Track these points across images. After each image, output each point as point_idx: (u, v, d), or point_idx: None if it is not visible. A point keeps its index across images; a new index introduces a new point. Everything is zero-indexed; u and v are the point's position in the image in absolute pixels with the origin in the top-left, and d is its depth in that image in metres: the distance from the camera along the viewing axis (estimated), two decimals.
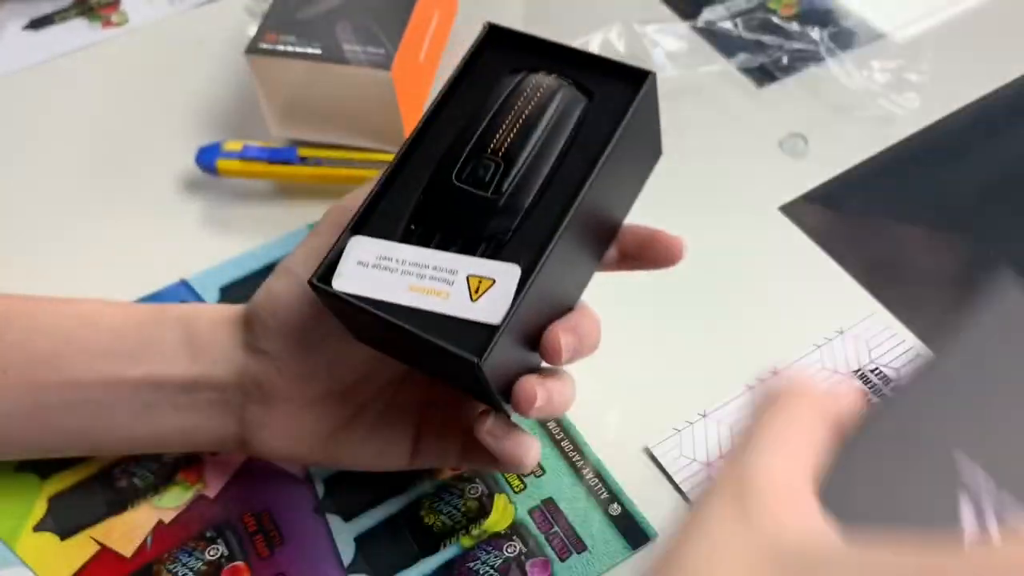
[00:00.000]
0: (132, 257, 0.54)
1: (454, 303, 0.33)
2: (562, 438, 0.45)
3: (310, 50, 0.53)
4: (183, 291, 0.52)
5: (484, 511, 0.43)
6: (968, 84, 0.61)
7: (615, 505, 0.43)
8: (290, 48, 0.53)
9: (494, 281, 0.33)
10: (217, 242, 0.54)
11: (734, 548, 0.24)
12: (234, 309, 0.41)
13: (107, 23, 0.68)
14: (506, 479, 0.44)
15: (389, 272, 0.34)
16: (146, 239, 0.55)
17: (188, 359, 0.39)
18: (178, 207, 0.56)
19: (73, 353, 0.40)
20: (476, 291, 0.33)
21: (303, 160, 0.55)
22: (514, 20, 0.67)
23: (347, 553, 0.42)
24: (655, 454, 0.45)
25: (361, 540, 0.43)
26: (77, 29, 0.68)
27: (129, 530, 0.43)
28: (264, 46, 0.54)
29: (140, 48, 0.67)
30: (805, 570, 0.24)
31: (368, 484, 0.44)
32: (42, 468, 0.45)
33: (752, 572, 0.24)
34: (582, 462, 0.45)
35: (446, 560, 0.42)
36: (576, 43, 0.62)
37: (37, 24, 0.68)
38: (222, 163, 0.55)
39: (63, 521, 0.44)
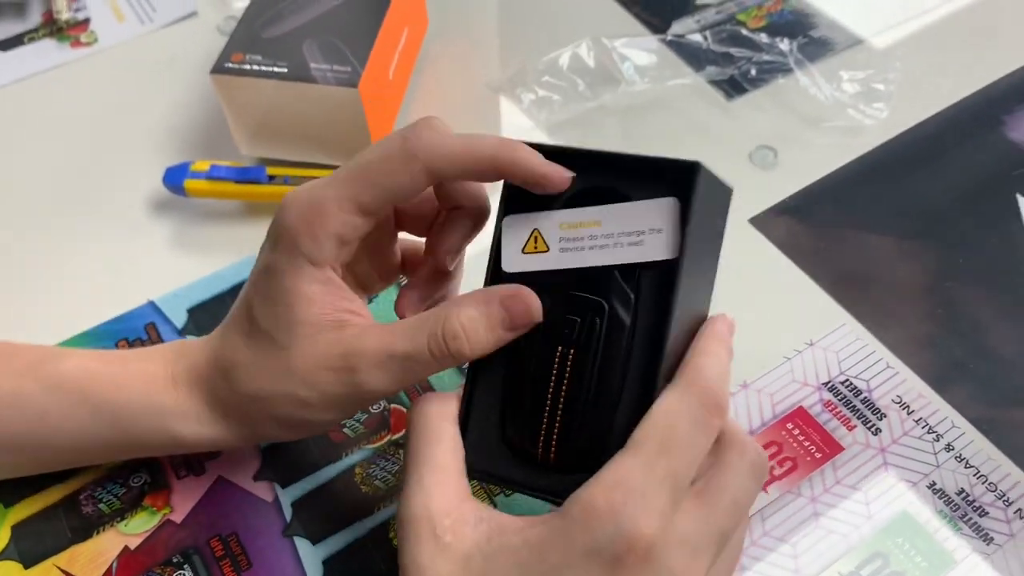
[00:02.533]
0: (100, 278, 0.53)
1: None
2: None
3: (276, 69, 0.53)
4: (151, 312, 0.51)
5: None
6: (936, 93, 0.61)
7: None
8: (256, 67, 0.53)
9: None
10: (185, 263, 0.54)
11: None
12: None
13: (76, 43, 0.68)
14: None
15: None
16: (114, 260, 0.55)
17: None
18: (147, 228, 0.56)
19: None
20: None
21: (272, 179, 0.54)
22: (487, 37, 0.67)
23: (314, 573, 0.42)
24: None
25: (329, 562, 0.42)
26: (46, 50, 0.67)
27: (94, 557, 0.43)
28: (229, 65, 0.54)
29: (110, 68, 0.66)
30: None
31: (336, 506, 0.44)
32: (6, 496, 0.44)
33: None
34: None
35: None
36: (546, 58, 0.62)
37: (5, 45, 0.68)
38: (190, 183, 0.55)
39: (27, 549, 0.43)
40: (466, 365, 0.36)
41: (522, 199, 0.36)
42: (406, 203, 0.39)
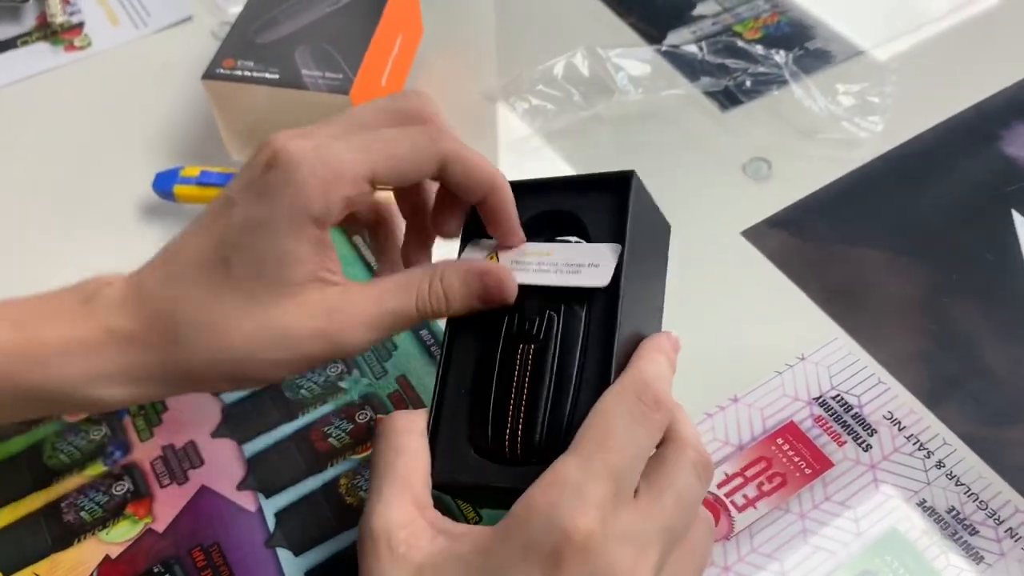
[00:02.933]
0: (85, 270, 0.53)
1: None
2: None
3: (268, 75, 0.53)
4: None
5: None
6: (931, 107, 0.61)
7: None
8: (248, 73, 0.53)
9: None
10: None
11: None
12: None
13: (70, 47, 0.68)
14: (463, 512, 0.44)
15: None
16: (103, 264, 0.54)
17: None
18: (136, 233, 0.56)
19: None
20: None
21: None
22: (484, 45, 0.66)
23: None
24: None
25: (311, 574, 0.42)
26: (40, 53, 0.67)
27: (75, 566, 0.42)
28: (221, 71, 0.53)
29: (102, 72, 0.66)
30: None
31: (319, 518, 0.43)
32: None
33: None
34: None
35: None
36: (541, 67, 0.62)
37: None
38: (179, 189, 0.54)
39: (6, 557, 0.42)
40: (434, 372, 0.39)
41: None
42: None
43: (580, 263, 0.39)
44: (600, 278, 0.37)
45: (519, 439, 0.35)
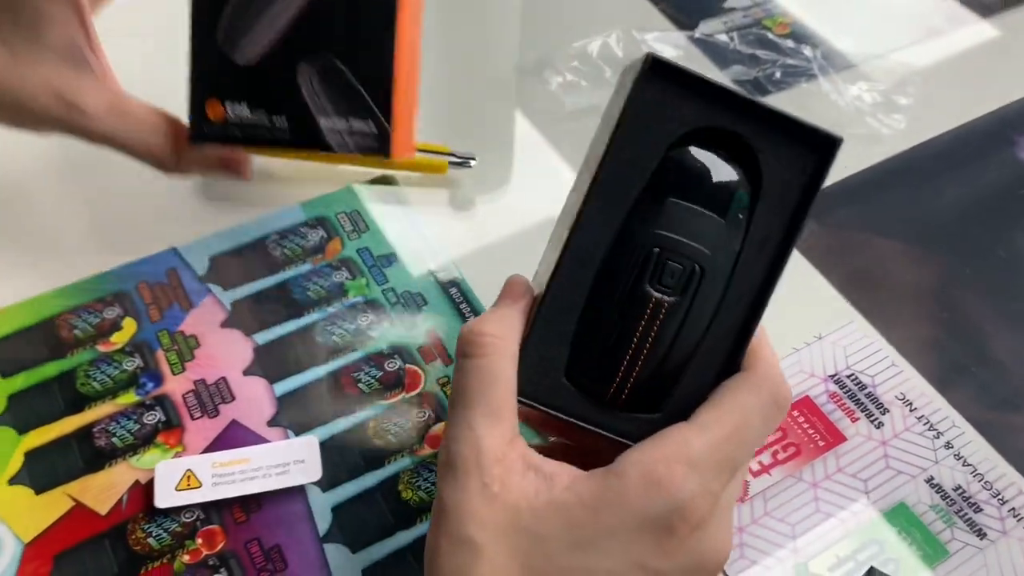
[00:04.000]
0: (126, 222, 0.54)
1: None
2: None
3: (274, 128, 0.40)
4: (173, 258, 0.52)
5: None
6: (952, 110, 0.63)
7: None
8: (246, 125, 0.40)
9: None
10: (209, 214, 0.54)
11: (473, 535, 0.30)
12: None
13: None
14: None
15: None
16: (140, 207, 0.55)
17: None
18: (171, 180, 0.56)
19: None
20: None
21: None
22: (513, 22, 0.67)
23: (323, 523, 0.42)
24: None
25: (338, 509, 0.43)
26: None
27: (105, 488, 0.43)
28: (210, 127, 0.40)
29: (151, 17, 0.67)
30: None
31: (345, 457, 0.45)
32: (20, 423, 0.45)
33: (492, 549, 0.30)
34: None
35: None
36: (577, 44, 0.63)
37: None
38: None
39: (39, 476, 0.43)
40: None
41: None
42: None
43: (286, 462, 0.42)
44: (311, 473, 0.42)
45: (628, 388, 0.33)
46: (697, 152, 0.33)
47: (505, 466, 0.30)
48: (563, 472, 0.31)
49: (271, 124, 0.37)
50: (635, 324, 0.32)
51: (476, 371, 0.32)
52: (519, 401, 0.33)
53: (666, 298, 0.32)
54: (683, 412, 0.32)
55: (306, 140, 0.37)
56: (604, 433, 0.33)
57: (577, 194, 0.34)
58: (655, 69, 0.32)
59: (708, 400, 0.32)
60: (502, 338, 0.32)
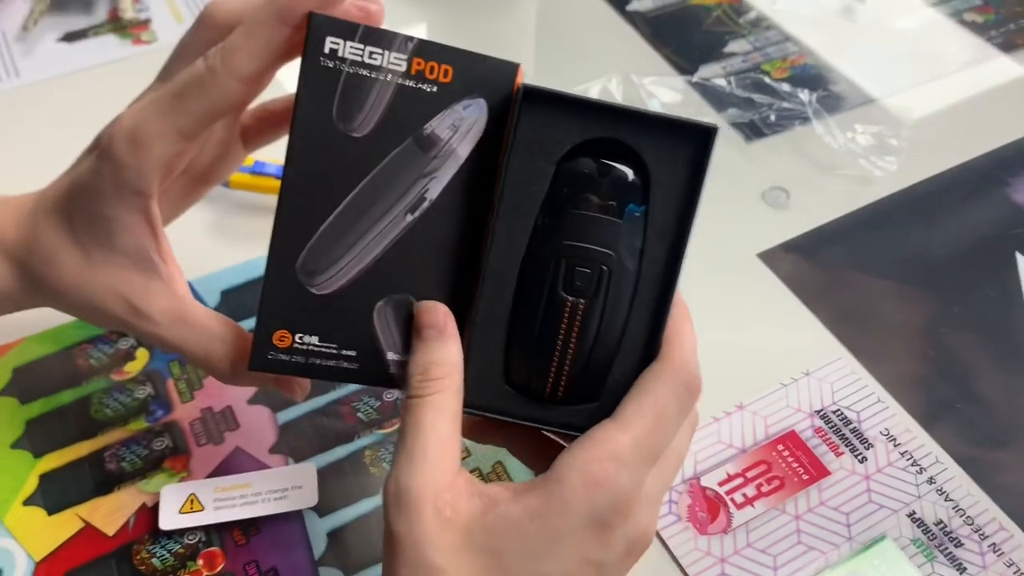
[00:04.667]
0: None
1: None
2: None
3: (344, 364, 0.37)
4: None
5: None
6: (945, 152, 0.64)
7: None
8: (312, 359, 0.37)
9: None
10: (222, 249, 0.57)
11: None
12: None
13: (137, 40, 0.72)
14: None
15: None
16: None
17: None
18: (190, 214, 0.59)
19: None
20: None
21: None
22: (524, 64, 0.70)
23: (319, 547, 0.44)
24: None
25: (333, 534, 0.45)
26: (108, 44, 0.72)
27: (114, 510, 0.45)
28: (274, 356, 0.37)
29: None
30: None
31: (343, 482, 0.46)
32: (36, 446, 0.47)
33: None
34: None
35: None
36: (576, 90, 0.66)
37: (71, 37, 0.72)
38: (234, 176, 0.58)
39: (52, 497, 0.46)
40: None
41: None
42: (232, 113, 0.39)
43: (284, 488, 0.44)
44: (308, 499, 0.44)
45: (563, 384, 0.36)
46: (585, 162, 0.36)
47: (454, 492, 0.32)
48: (503, 490, 0.33)
49: (338, 356, 0.37)
50: (557, 327, 0.36)
51: (428, 407, 0.34)
52: (467, 412, 0.36)
53: (580, 300, 0.35)
54: (617, 396, 0.36)
55: (372, 375, 0.37)
56: (550, 428, 0.37)
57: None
58: (529, 96, 0.35)
59: (629, 394, 0.35)
60: (448, 376, 0.34)
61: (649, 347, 0.36)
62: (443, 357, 0.35)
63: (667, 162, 0.36)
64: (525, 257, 0.36)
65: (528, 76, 0.37)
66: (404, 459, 0.33)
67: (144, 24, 0.73)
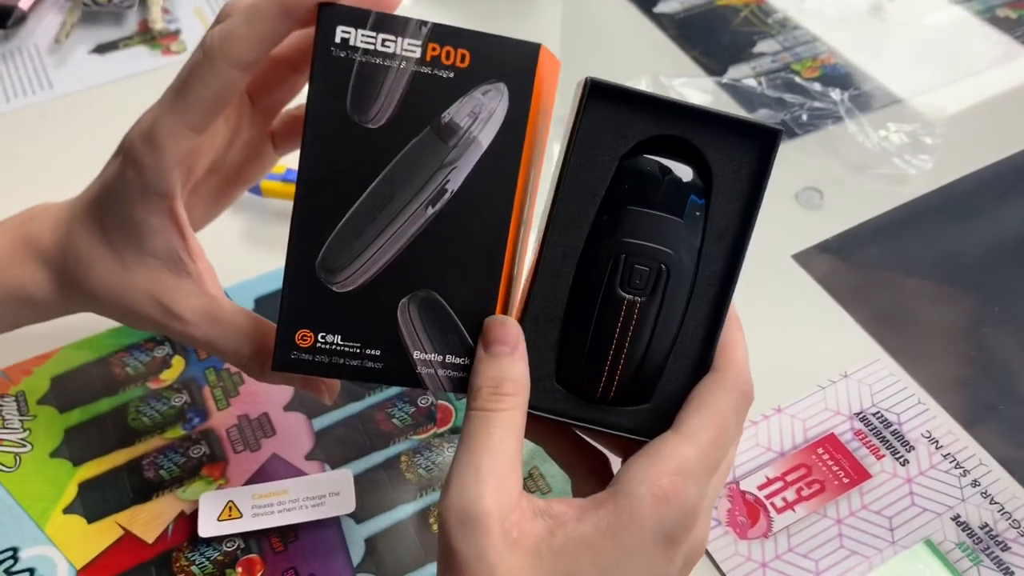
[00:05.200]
0: None
1: None
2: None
3: (368, 364, 0.36)
4: None
5: None
6: (981, 150, 0.63)
7: None
8: (335, 359, 0.36)
9: None
10: (256, 256, 0.57)
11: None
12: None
13: (167, 51, 0.73)
14: None
15: None
16: None
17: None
18: (223, 222, 0.59)
19: None
20: None
21: None
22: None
23: (357, 554, 0.44)
24: None
25: (370, 541, 0.45)
26: (139, 56, 0.72)
27: (153, 518, 0.45)
28: (298, 356, 0.36)
29: None
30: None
31: (379, 488, 0.46)
32: (75, 455, 0.48)
33: None
34: None
35: None
36: None
37: (103, 49, 0.73)
38: (266, 184, 0.58)
39: (91, 506, 0.46)
40: None
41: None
42: (233, 99, 0.38)
43: (322, 495, 0.45)
44: (346, 506, 0.44)
45: (615, 385, 0.35)
46: (648, 159, 0.35)
47: (519, 513, 0.31)
48: (568, 508, 0.32)
49: (362, 356, 0.36)
50: (612, 325, 0.35)
51: (499, 423, 0.32)
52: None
53: (637, 299, 0.35)
54: (670, 399, 0.35)
55: (398, 375, 0.36)
56: (601, 429, 0.36)
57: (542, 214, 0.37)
58: (595, 90, 0.35)
59: (689, 405, 0.34)
60: (520, 393, 0.33)
61: (704, 351, 0.36)
62: (515, 375, 0.34)
63: (730, 163, 0.35)
64: (582, 254, 0.35)
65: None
66: (471, 476, 0.31)
67: (174, 35, 0.74)
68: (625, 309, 0.35)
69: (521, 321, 0.36)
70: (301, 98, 0.41)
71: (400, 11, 0.36)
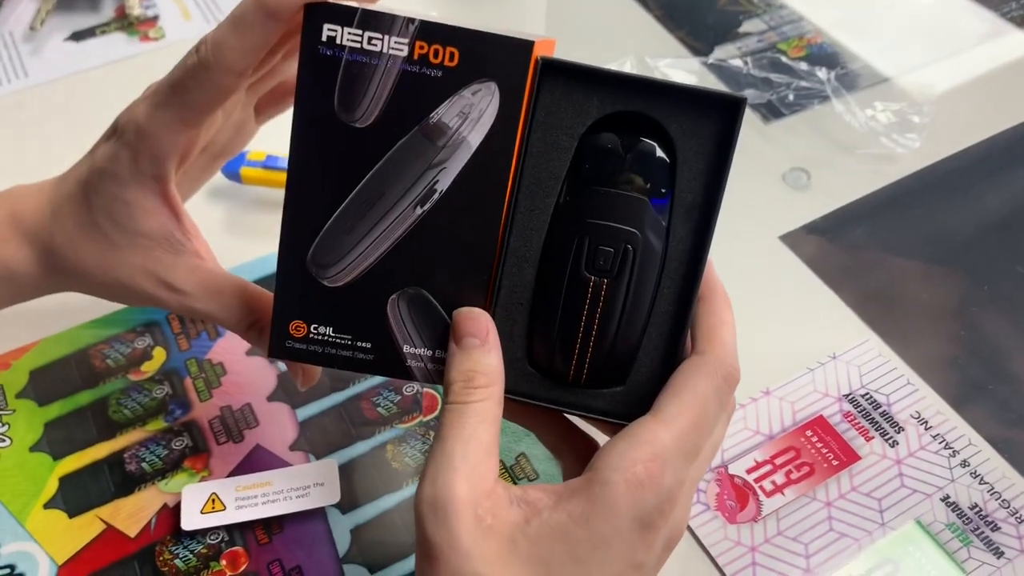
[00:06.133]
0: None
1: None
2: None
3: (359, 355, 0.37)
4: None
5: None
6: (968, 128, 0.63)
7: None
8: (328, 349, 0.37)
9: None
10: (237, 245, 0.56)
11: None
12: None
13: (145, 38, 0.71)
14: None
15: None
16: None
17: None
18: (202, 211, 0.58)
19: None
20: None
21: None
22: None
23: (343, 544, 0.44)
24: None
25: (356, 531, 0.44)
26: (116, 42, 0.71)
27: (135, 511, 0.45)
28: (292, 344, 0.37)
29: (174, 61, 0.70)
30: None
31: (364, 477, 0.46)
32: (55, 449, 0.47)
33: None
34: None
35: None
36: None
37: (79, 36, 0.71)
38: (246, 171, 0.57)
39: (72, 500, 0.45)
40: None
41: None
42: (230, 98, 0.38)
43: (306, 485, 0.44)
44: (331, 496, 0.44)
45: (587, 367, 0.35)
46: (608, 136, 0.34)
47: (493, 500, 0.31)
48: (544, 495, 0.32)
49: (353, 347, 0.37)
50: (580, 307, 0.34)
51: (472, 414, 0.32)
52: None
53: (604, 280, 0.34)
54: (646, 381, 0.35)
55: (388, 367, 0.37)
56: (574, 412, 0.36)
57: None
58: (547, 69, 0.34)
59: (668, 388, 0.33)
60: (493, 384, 0.33)
61: (675, 331, 0.35)
62: (486, 367, 0.34)
63: (694, 136, 0.34)
64: (547, 236, 0.35)
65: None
66: (444, 465, 0.31)
67: (152, 21, 0.73)
68: (592, 291, 0.34)
69: (492, 306, 0.35)
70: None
71: (391, 1, 0.35)
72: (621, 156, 0.34)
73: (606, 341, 0.35)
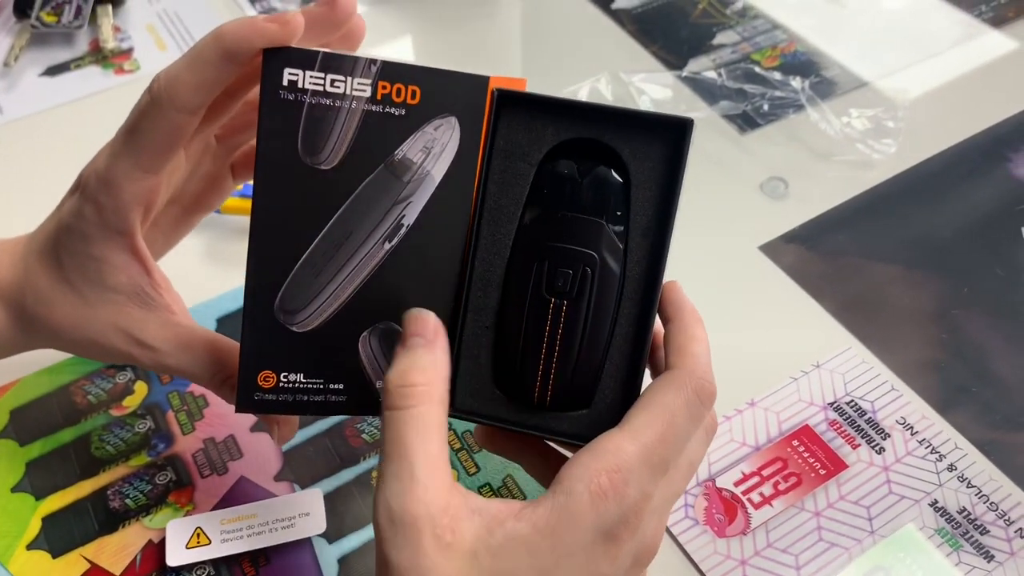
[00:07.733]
0: None
1: None
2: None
3: (332, 398, 0.37)
4: None
5: None
6: (944, 132, 0.63)
7: None
8: (297, 396, 0.36)
9: None
10: (216, 275, 0.56)
11: None
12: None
13: (120, 70, 0.71)
14: None
15: None
16: None
17: None
18: (182, 240, 0.58)
19: None
20: None
21: None
22: (508, 69, 0.69)
23: (330, 574, 0.43)
24: None
25: (344, 560, 0.44)
26: (91, 76, 0.71)
27: (120, 549, 0.44)
28: (261, 396, 0.36)
29: None
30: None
31: (349, 505, 0.45)
32: (37, 488, 0.46)
33: None
34: None
35: None
36: (566, 91, 0.65)
37: (53, 71, 0.71)
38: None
39: (55, 540, 0.45)
40: None
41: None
42: (185, 141, 0.37)
43: (291, 516, 0.43)
44: (316, 526, 0.43)
45: (550, 388, 0.35)
46: (565, 163, 0.35)
47: (452, 514, 0.30)
48: (505, 506, 0.31)
49: (326, 391, 0.36)
50: (541, 329, 0.35)
51: (411, 421, 0.31)
52: (453, 415, 0.35)
53: (564, 301, 0.35)
54: (611, 402, 0.35)
55: (362, 405, 0.36)
56: (537, 434, 0.36)
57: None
58: (504, 100, 0.35)
59: (638, 402, 0.33)
60: (430, 384, 0.32)
61: (636, 353, 0.35)
62: (423, 363, 0.32)
63: (645, 159, 0.35)
64: (509, 261, 0.36)
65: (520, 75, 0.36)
66: (392, 482, 0.30)
67: (126, 53, 0.73)
68: (552, 312, 0.35)
69: (460, 331, 0.36)
70: None
71: (361, 17, 0.36)
72: (578, 181, 0.35)
73: (569, 361, 0.35)
